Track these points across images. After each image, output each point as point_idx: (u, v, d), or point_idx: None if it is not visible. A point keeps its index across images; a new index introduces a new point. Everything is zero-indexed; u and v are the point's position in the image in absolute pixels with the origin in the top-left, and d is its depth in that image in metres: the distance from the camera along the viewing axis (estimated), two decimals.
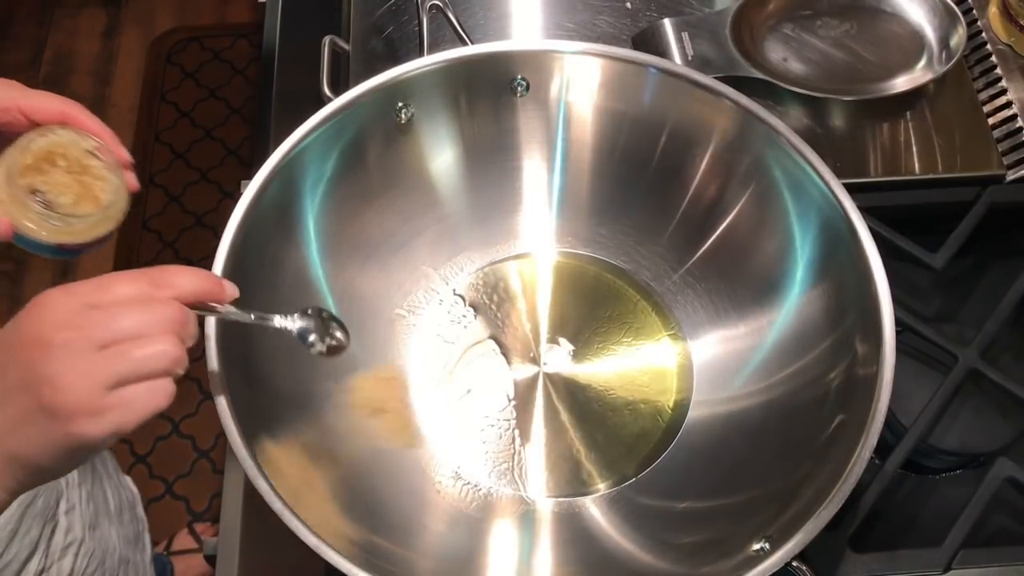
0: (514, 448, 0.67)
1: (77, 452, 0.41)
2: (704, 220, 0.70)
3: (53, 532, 0.70)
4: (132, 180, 0.60)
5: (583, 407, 0.68)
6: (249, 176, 0.61)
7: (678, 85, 0.66)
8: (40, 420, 0.40)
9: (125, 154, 0.56)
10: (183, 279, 0.45)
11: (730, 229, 0.69)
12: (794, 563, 0.51)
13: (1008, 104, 0.78)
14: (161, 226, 1.78)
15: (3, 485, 0.42)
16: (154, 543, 0.99)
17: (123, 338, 0.41)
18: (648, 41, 0.81)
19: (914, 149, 0.77)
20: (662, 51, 0.79)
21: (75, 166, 0.53)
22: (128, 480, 0.96)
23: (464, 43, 0.77)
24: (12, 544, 0.64)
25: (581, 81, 0.68)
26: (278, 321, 0.53)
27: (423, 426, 0.68)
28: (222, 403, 0.53)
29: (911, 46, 0.81)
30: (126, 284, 0.43)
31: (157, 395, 0.42)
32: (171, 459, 1.50)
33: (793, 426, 0.61)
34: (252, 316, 0.51)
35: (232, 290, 0.48)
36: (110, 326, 0.41)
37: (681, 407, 0.68)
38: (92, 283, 0.42)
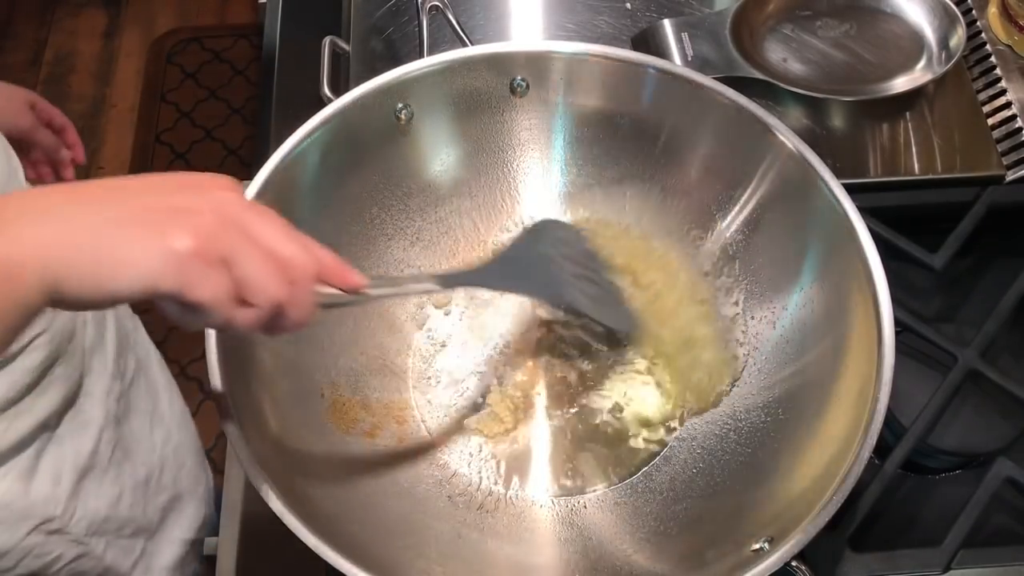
0: (514, 448, 0.67)
1: (114, 297, 0.40)
2: (704, 220, 0.70)
3: (69, 407, 0.71)
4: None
5: (584, 406, 0.68)
6: (249, 176, 0.61)
7: (678, 85, 0.66)
8: (139, 247, 0.39)
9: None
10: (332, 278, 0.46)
11: (730, 229, 0.69)
12: (793, 563, 0.51)
13: (1007, 104, 0.78)
14: None
15: (36, 281, 0.39)
16: None
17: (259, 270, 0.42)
18: (648, 41, 0.81)
19: (914, 149, 0.77)
20: (662, 51, 0.79)
21: None
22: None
23: (464, 43, 0.77)
24: (29, 396, 0.65)
25: (581, 81, 0.68)
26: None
27: (423, 426, 0.68)
28: (222, 403, 0.53)
29: (911, 46, 0.81)
30: (293, 244, 0.44)
31: (249, 319, 0.43)
32: None
33: (793, 426, 0.61)
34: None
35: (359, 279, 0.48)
36: (256, 255, 0.42)
37: (680, 407, 0.68)
38: (269, 220, 0.43)
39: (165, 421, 0.85)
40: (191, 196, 0.42)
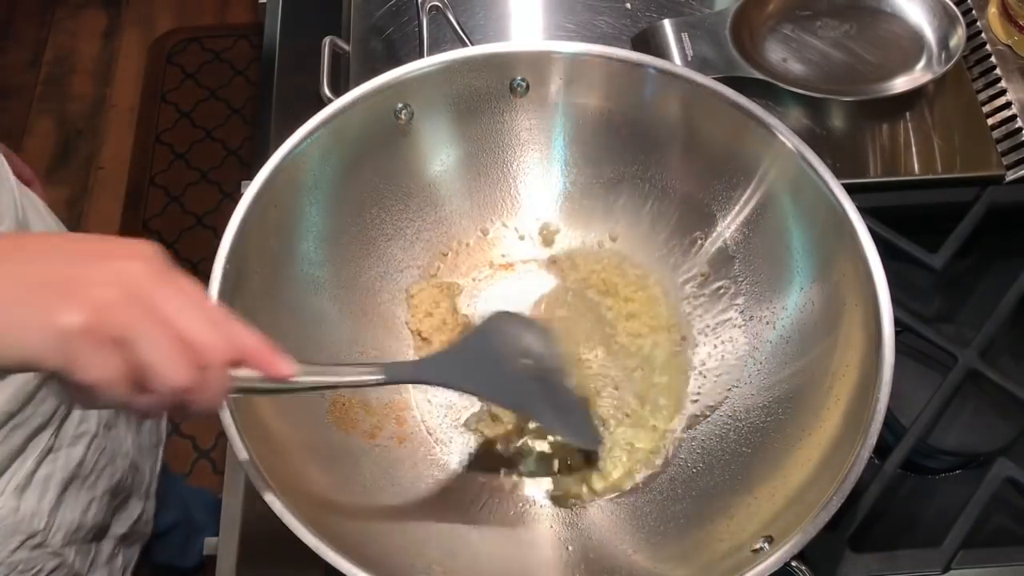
0: (515, 448, 0.67)
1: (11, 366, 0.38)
2: (704, 220, 0.70)
3: (66, 418, 0.70)
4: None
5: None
6: (249, 176, 0.61)
7: (678, 86, 0.66)
8: (24, 320, 0.37)
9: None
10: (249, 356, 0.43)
11: (730, 229, 0.69)
12: (793, 563, 0.51)
13: (1007, 104, 0.78)
14: (162, 226, 1.78)
15: None
16: None
17: (160, 357, 0.39)
18: (648, 42, 0.81)
19: (913, 149, 0.77)
20: (662, 52, 0.79)
21: None
22: None
23: (464, 43, 0.77)
24: (28, 407, 0.64)
25: (581, 81, 0.68)
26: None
27: (423, 426, 0.68)
28: (223, 403, 0.53)
29: (910, 47, 0.81)
30: (205, 325, 0.40)
31: (148, 405, 0.40)
32: (172, 459, 1.49)
33: (792, 426, 0.61)
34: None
35: (287, 369, 0.44)
36: (159, 340, 0.39)
37: (680, 407, 0.68)
38: (183, 296, 0.40)
39: (132, 423, 0.85)
40: (96, 266, 0.39)
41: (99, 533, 0.80)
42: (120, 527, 0.85)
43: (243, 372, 0.42)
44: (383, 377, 0.52)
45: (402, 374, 0.57)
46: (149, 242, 0.41)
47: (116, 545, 0.85)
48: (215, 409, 0.42)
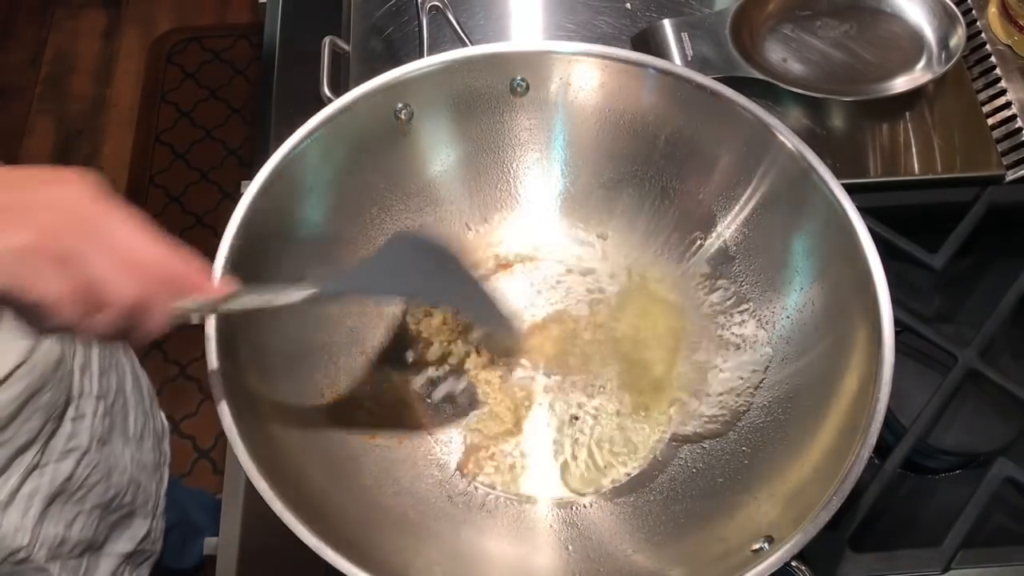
0: (515, 447, 0.67)
1: None
2: (704, 220, 0.70)
3: (54, 434, 0.70)
4: None
5: (584, 405, 0.68)
6: (249, 176, 0.61)
7: (678, 86, 0.66)
8: None
9: None
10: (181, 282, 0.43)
11: (730, 229, 0.69)
12: (793, 563, 0.51)
13: (1007, 104, 0.78)
14: (161, 226, 1.78)
15: None
16: None
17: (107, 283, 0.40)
18: (648, 41, 0.81)
19: (913, 149, 0.77)
20: (662, 51, 0.79)
21: None
22: (161, 414, 0.96)
23: (464, 43, 0.77)
24: (11, 426, 0.64)
25: (581, 81, 0.68)
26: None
27: (424, 425, 0.68)
28: (222, 403, 0.53)
29: (910, 47, 0.81)
30: (146, 245, 0.41)
31: (100, 324, 0.41)
32: (172, 459, 1.50)
33: (793, 426, 0.61)
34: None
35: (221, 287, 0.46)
36: (104, 275, 0.40)
37: (680, 407, 0.68)
38: (125, 218, 0.41)
39: (132, 438, 0.85)
40: (39, 191, 0.40)
41: (90, 548, 0.79)
42: (123, 545, 0.85)
43: (188, 301, 0.43)
44: (316, 291, 0.52)
45: (333, 288, 0.56)
46: (85, 170, 0.42)
47: (120, 563, 0.84)
48: (160, 332, 0.42)
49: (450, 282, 0.62)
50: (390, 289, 0.60)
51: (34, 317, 0.39)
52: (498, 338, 0.69)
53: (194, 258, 0.44)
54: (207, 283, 0.44)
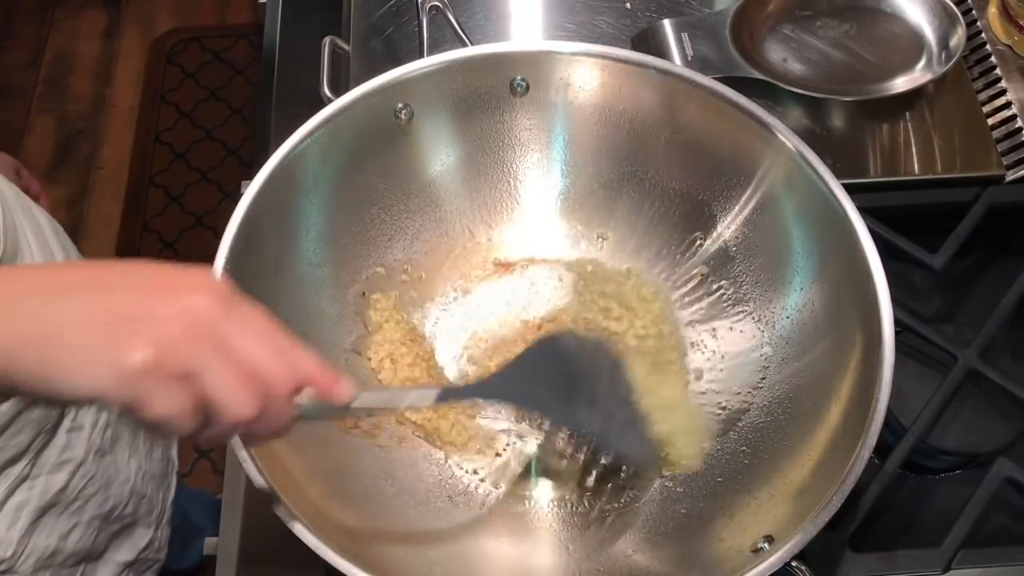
0: (515, 447, 0.67)
1: (63, 399, 0.40)
2: (704, 220, 0.70)
3: (46, 446, 0.69)
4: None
5: None
6: (249, 176, 0.61)
7: (678, 86, 0.66)
8: (92, 355, 0.37)
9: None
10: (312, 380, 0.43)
11: (730, 229, 0.69)
12: (793, 563, 0.51)
13: (1007, 104, 0.78)
14: (161, 226, 1.78)
15: None
16: None
17: (221, 397, 0.39)
18: (648, 41, 0.81)
19: (913, 149, 0.77)
20: (662, 51, 0.79)
21: None
22: None
23: (464, 44, 0.77)
24: None
25: (581, 81, 0.68)
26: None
27: (424, 424, 0.68)
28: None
29: (911, 47, 0.81)
30: (270, 356, 0.41)
31: (216, 435, 0.41)
32: None
33: (793, 426, 0.61)
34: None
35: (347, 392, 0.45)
36: (219, 383, 0.39)
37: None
38: (248, 327, 0.40)
39: (139, 450, 0.84)
40: (161, 301, 0.39)
41: (87, 558, 0.79)
42: (124, 554, 0.84)
43: (306, 399, 0.43)
44: (438, 399, 0.50)
45: (458, 394, 0.56)
46: (211, 271, 0.42)
47: (121, 572, 0.84)
48: (281, 435, 0.42)
49: (593, 405, 0.55)
50: (524, 402, 0.56)
51: (152, 428, 0.39)
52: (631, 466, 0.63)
53: (316, 361, 0.43)
54: (330, 388, 0.44)
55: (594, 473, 0.64)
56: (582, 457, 0.64)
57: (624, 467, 0.63)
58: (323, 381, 0.43)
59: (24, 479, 0.68)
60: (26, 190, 0.84)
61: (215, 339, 0.39)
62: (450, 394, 0.52)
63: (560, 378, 0.55)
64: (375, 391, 0.50)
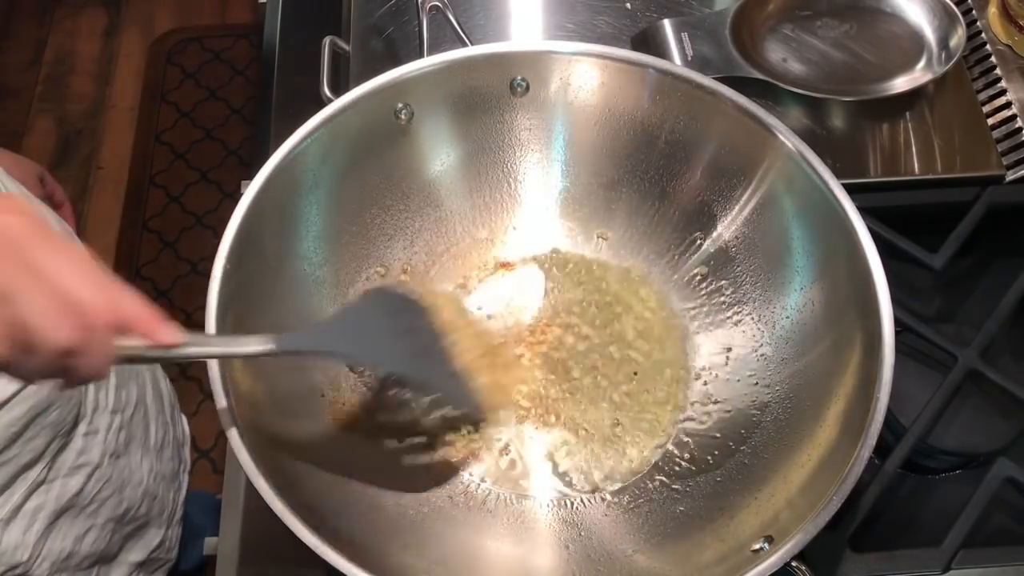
0: (515, 447, 0.67)
1: None
2: (704, 220, 0.70)
3: (62, 449, 0.69)
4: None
5: (584, 406, 0.68)
6: (249, 176, 0.61)
7: (678, 86, 0.66)
8: None
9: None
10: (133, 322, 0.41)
11: (730, 229, 0.69)
12: (793, 563, 0.51)
13: (1007, 104, 0.78)
14: (161, 226, 1.78)
15: None
16: None
17: (40, 327, 0.37)
18: (648, 41, 0.81)
19: (913, 149, 0.77)
20: (662, 52, 0.79)
21: None
22: (184, 420, 0.95)
23: (464, 43, 0.77)
24: (13, 447, 0.63)
25: (581, 81, 0.68)
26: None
27: (424, 424, 0.68)
28: (222, 403, 0.53)
29: (911, 47, 0.81)
30: (88, 288, 0.39)
31: (31, 366, 0.39)
32: None
33: (792, 426, 0.61)
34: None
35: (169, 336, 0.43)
36: (39, 318, 0.37)
37: (680, 407, 0.68)
38: (65, 254, 0.38)
39: (151, 450, 0.84)
40: None
41: (102, 560, 0.79)
42: (136, 555, 0.84)
43: (129, 340, 0.41)
44: (272, 347, 0.51)
45: (292, 343, 0.54)
46: (21, 198, 0.40)
47: (132, 572, 0.84)
48: (101, 376, 0.40)
49: (417, 351, 0.59)
50: (352, 353, 0.58)
51: None
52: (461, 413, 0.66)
53: (139, 301, 0.41)
54: (153, 330, 0.42)
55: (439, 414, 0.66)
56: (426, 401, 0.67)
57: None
58: (147, 323, 0.41)
59: (41, 483, 0.68)
60: (50, 197, 0.84)
61: (30, 261, 0.37)
62: (287, 343, 0.52)
63: (386, 330, 0.57)
64: (206, 337, 0.49)
